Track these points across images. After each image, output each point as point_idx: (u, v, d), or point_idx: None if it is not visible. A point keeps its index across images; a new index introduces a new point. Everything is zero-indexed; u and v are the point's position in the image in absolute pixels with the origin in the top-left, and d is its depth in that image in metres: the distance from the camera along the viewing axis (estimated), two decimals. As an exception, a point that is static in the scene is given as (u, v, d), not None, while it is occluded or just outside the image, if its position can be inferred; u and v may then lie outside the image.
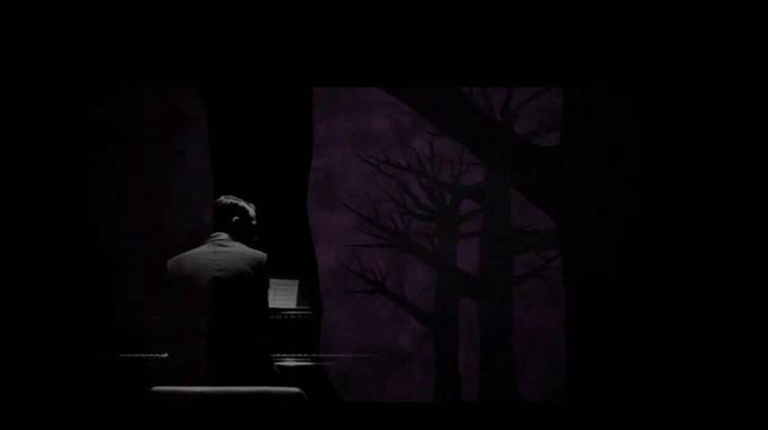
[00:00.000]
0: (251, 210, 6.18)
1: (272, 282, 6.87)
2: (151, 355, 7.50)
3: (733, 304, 7.83)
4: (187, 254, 5.97)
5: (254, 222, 6.17)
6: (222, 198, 6.15)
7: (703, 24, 7.74)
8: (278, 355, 6.66)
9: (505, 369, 16.92)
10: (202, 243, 6.04)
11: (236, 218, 6.08)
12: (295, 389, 5.73)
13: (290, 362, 6.71)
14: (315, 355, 6.75)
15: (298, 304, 7.32)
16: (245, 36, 7.57)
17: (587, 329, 9.32)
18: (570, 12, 7.87)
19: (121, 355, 7.79)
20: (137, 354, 7.77)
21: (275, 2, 7.65)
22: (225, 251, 5.93)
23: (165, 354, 6.24)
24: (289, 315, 7.05)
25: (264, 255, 5.96)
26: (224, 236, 6.02)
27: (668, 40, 7.83)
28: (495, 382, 16.93)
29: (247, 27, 7.59)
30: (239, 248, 5.96)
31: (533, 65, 8.01)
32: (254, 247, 6.05)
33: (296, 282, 7.38)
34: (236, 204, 6.11)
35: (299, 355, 6.76)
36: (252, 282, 5.87)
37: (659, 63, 7.88)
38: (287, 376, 6.44)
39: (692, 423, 7.59)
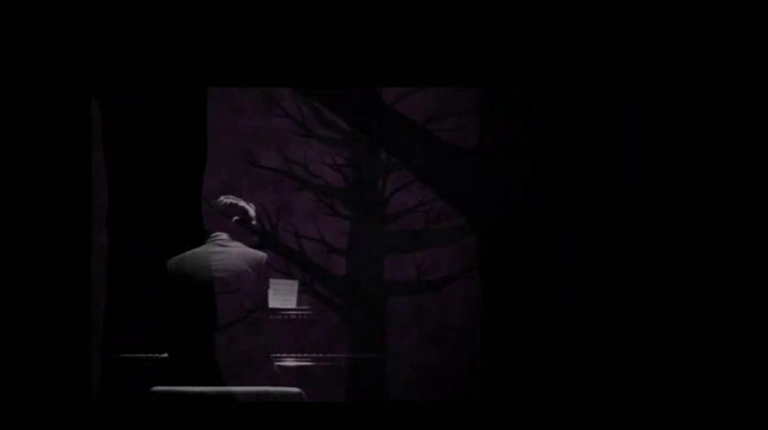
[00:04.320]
0: (251, 210, 6.18)
1: (272, 282, 6.88)
2: (151, 355, 7.50)
3: (649, 305, 7.86)
4: (187, 253, 5.98)
5: (254, 222, 6.18)
6: (222, 198, 6.16)
7: (619, 22, 7.68)
8: (278, 355, 6.67)
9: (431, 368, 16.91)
10: (203, 243, 6.04)
11: (236, 218, 6.08)
12: (295, 390, 5.73)
13: (290, 363, 6.72)
14: (315, 355, 6.76)
15: (298, 304, 7.33)
16: (137, 37, 7.39)
17: (503, 329, 9.28)
18: (482, 12, 7.75)
19: (121, 355, 7.78)
20: (137, 354, 7.77)
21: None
22: (225, 251, 5.94)
23: (165, 354, 6.24)
24: (289, 315, 7.06)
25: (264, 255, 5.97)
26: (224, 236, 6.03)
27: (587, 36, 7.76)
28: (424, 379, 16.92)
29: (141, 27, 7.41)
30: (239, 248, 5.96)
31: (448, 63, 7.82)
32: (254, 247, 6.06)
33: (296, 282, 7.39)
34: (237, 204, 6.12)
35: (299, 355, 6.76)
36: (252, 283, 5.88)
37: (576, 59, 7.81)
38: (286, 376, 6.44)
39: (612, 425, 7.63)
